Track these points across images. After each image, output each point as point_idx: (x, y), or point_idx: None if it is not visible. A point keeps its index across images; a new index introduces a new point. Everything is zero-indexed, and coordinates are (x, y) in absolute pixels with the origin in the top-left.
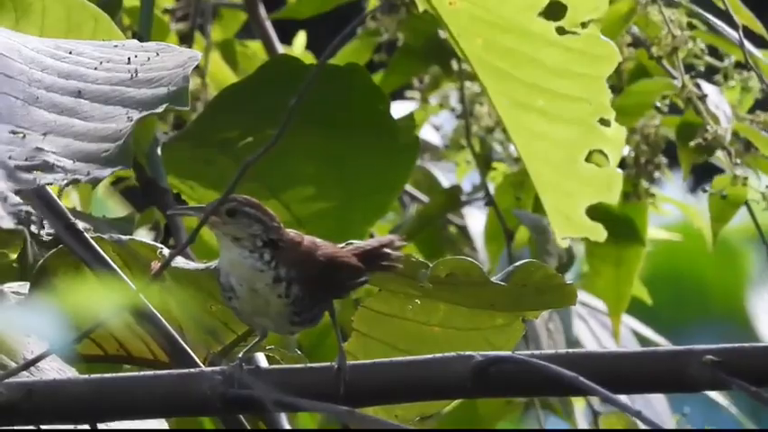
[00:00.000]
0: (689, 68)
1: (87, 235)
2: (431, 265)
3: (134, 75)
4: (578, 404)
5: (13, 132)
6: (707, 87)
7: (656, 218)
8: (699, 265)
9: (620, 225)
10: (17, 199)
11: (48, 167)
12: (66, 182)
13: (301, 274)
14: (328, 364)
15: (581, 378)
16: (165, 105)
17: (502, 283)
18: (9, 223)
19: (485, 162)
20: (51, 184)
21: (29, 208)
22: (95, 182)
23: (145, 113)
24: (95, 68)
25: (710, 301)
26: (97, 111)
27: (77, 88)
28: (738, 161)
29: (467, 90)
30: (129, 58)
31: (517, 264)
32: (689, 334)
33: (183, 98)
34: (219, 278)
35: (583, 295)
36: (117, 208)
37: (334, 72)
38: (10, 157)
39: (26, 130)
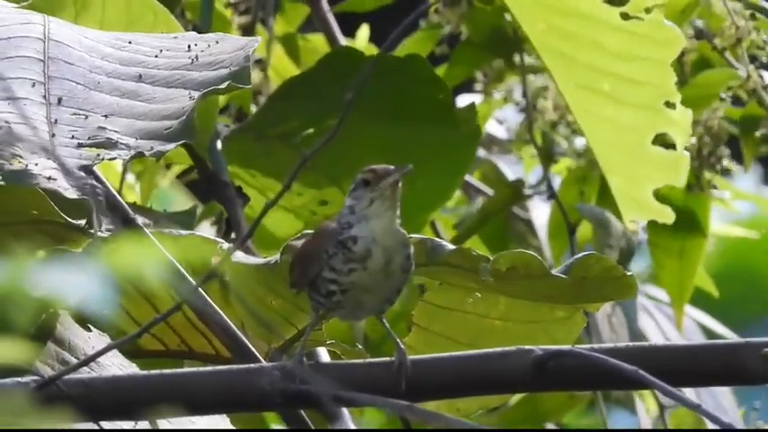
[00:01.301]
0: (751, 59)
1: (147, 230)
2: (491, 259)
3: (194, 60)
4: (647, 399)
5: (75, 114)
6: None
7: (727, 214)
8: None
9: (683, 216)
10: (81, 173)
11: (111, 144)
12: (129, 157)
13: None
14: (388, 359)
15: (640, 371)
16: (227, 83)
17: (562, 276)
18: (74, 194)
19: (547, 156)
20: (115, 159)
21: (94, 181)
22: (159, 156)
23: (208, 89)
24: (155, 56)
25: None
26: (159, 93)
27: (138, 73)
28: None
29: (530, 84)
30: (188, 46)
31: (577, 256)
32: (761, 330)
33: (245, 77)
34: (354, 245)
35: (650, 289)
36: (182, 201)
37: (394, 63)
38: (73, 137)
39: (88, 112)
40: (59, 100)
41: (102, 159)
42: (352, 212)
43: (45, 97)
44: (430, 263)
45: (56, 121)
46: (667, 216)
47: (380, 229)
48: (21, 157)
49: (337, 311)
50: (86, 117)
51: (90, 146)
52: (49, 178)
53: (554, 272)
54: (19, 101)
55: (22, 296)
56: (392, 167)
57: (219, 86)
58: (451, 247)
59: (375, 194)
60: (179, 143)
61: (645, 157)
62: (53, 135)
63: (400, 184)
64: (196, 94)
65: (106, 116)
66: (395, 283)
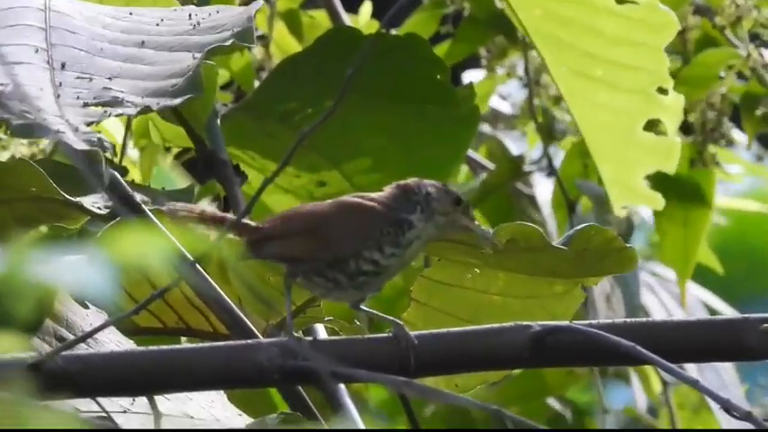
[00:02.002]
0: (754, 38)
1: (145, 207)
2: (492, 231)
3: (196, 25)
4: (651, 375)
5: (80, 78)
6: None
7: (728, 189)
8: None
9: (688, 190)
10: (88, 128)
11: (117, 102)
12: (137, 112)
13: None
14: (387, 335)
15: (638, 347)
16: (232, 41)
17: (562, 248)
18: (83, 145)
19: (548, 132)
20: (121, 115)
21: (102, 135)
22: (166, 110)
23: (213, 47)
24: (157, 24)
25: None
26: (162, 57)
27: (140, 40)
28: None
29: (532, 60)
30: (189, 15)
31: (577, 228)
32: (763, 306)
33: (248, 36)
34: (408, 230)
35: (653, 266)
36: (180, 181)
37: (394, 42)
38: (78, 97)
39: (92, 75)
40: (63, 65)
41: (109, 116)
42: (418, 211)
43: (48, 62)
44: None
45: (60, 83)
46: (657, 203)
47: (427, 233)
48: (28, 113)
49: (336, 292)
50: (91, 80)
51: (96, 105)
52: (58, 131)
53: (554, 243)
54: (22, 65)
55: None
56: (478, 224)
57: (224, 44)
58: None
59: (452, 215)
60: (186, 97)
61: (636, 143)
62: (58, 96)
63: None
64: (200, 55)
65: (111, 78)
66: (408, 265)
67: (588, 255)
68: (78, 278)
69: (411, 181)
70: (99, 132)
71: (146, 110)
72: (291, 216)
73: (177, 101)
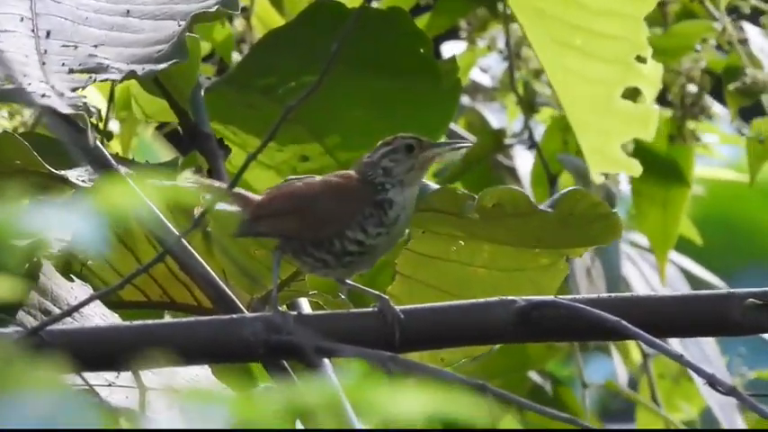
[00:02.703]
0: (735, 10)
1: (130, 180)
2: (477, 197)
3: None
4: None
5: (65, 46)
6: (751, 30)
7: (708, 161)
8: (751, 207)
9: (666, 166)
10: (74, 93)
11: (102, 68)
12: (122, 77)
13: None
14: (372, 309)
15: (623, 322)
16: (216, 7)
17: (549, 210)
18: (68, 109)
19: (529, 105)
20: (107, 80)
21: (86, 100)
22: (152, 75)
23: (198, 12)
24: None
25: (764, 244)
26: (147, 25)
27: (125, 9)
28: None
29: (513, 32)
30: None
31: (563, 191)
32: (742, 277)
33: (233, 3)
34: (390, 209)
35: (634, 236)
36: (162, 152)
37: (376, 16)
38: (63, 64)
39: (77, 43)
40: (48, 33)
41: (95, 80)
42: (387, 175)
43: (33, 31)
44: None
45: (45, 51)
46: (635, 169)
47: (411, 198)
48: (13, 78)
49: (324, 270)
50: (76, 47)
51: (81, 71)
52: (43, 95)
53: (540, 207)
54: (7, 33)
55: (10, 238)
56: (440, 142)
57: (209, 9)
58: (435, 186)
59: (417, 162)
60: (171, 62)
61: (614, 111)
62: (44, 63)
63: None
64: (184, 23)
65: (96, 46)
66: (389, 248)
67: (574, 220)
68: (65, 223)
69: (364, 159)
70: (84, 97)
71: (131, 75)
72: (284, 193)
73: (162, 66)
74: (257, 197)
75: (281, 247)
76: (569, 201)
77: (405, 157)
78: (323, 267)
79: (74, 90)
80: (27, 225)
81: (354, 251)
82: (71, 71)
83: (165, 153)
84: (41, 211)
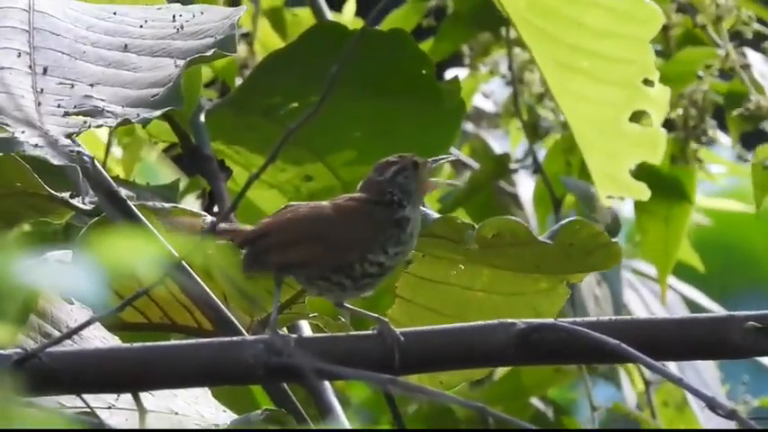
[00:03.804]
0: (737, 36)
1: (130, 203)
2: (477, 227)
3: (179, 29)
4: (633, 374)
5: (62, 84)
6: (753, 56)
7: (708, 186)
8: (752, 233)
9: (669, 186)
10: (68, 141)
11: (97, 112)
12: (116, 124)
13: None
14: (371, 331)
15: (623, 345)
16: (213, 50)
17: (548, 242)
18: (62, 161)
19: (533, 130)
20: (101, 126)
21: (81, 149)
22: (145, 122)
23: (194, 57)
24: (140, 26)
25: (762, 270)
26: (144, 62)
27: (123, 43)
28: None
29: (516, 57)
30: (173, 16)
31: (563, 222)
32: (741, 302)
33: (230, 44)
34: (407, 227)
35: (635, 263)
36: (168, 175)
37: (379, 38)
38: (59, 105)
39: (74, 81)
40: (45, 69)
41: (89, 127)
42: (403, 192)
43: (31, 67)
44: None
45: (42, 90)
46: (643, 193)
47: (419, 215)
48: (6, 125)
49: (338, 294)
50: (72, 86)
51: (76, 114)
52: (36, 145)
53: (540, 238)
54: (4, 70)
55: (7, 285)
56: (436, 158)
57: (206, 54)
58: (437, 215)
59: (422, 179)
60: (166, 109)
61: (622, 134)
62: (39, 104)
63: None
64: (182, 63)
65: (92, 85)
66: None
67: (574, 250)
68: (65, 280)
69: (373, 175)
70: (78, 145)
71: (125, 122)
72: (291, 221)
73: (157, 113)
74: (248, 228)
75: (294, 273)
76: (569, 231)
77: (414, 173)
78: (338, 291)
79: (68, 136)
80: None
81: (374, 273)
82: (66, 114)
83: (168, 174)
84: (40, 267)
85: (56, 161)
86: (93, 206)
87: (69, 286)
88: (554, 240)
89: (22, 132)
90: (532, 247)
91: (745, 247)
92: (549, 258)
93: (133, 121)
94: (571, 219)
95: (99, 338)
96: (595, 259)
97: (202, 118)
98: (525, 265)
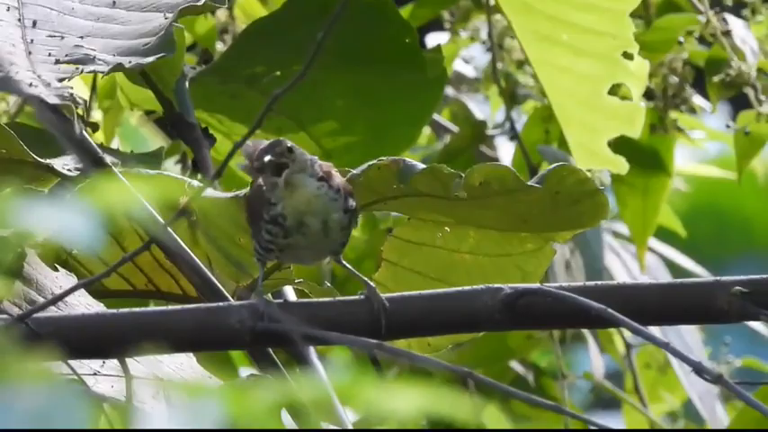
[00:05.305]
0: (717, 2)
1: (116, 169)
2: (464, 175)
3: None
4: (615, 337)
5: (51, 36)
6: (734, 22)
7: (696, 152)
8: (741, 198)
9: (647, 156)
10: (60, 84)
11: (89, 60)
12: (108, 69)
13: (354, 203)
14: (357, 296)
15: (609, 310)
16: (204, 1)
17: (537, 186)
18: (55, 99)
19: (511, 96)
20: (94, 72)
21: (73, 90)
22: (138, 68)
23: (185, 5)
24: None
25: (754, 235)
26: (134, 17)
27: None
28: (764, 98)
29: (496, 24)
30: None
31: (550, 167)
32: (731, 268)
33: None
34: (285, 221)
35: (615, 225)
36: (149, 138)
37: (361, 5)
38: (50, 54)
39: (63, 33)
40: (34, 23)
41: (81, 72)
42: (271, 189)
43: (20, 20)
44: (400, 188)
45: (32, 40)
46: (621, 166)
47: (305, 200)
48: (1, 66)
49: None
50: (62, 38)
51: (68, 62)
52: (31, 85)
53: (528, 183)
54: None
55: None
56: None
57: (196, 3)
58: (422, 166)
59: (288, 173)
60: (159, 56)
61: (601, 108)
62: (30, 53)
63: (296, 151)
64: (171, 15)
65: (82, 37)
66: (335, 241)
67: (561, 198)
68: (62, 222)
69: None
70: (71, 87)
71: (117, 68)
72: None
73: (149, 59)
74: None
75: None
76: (557, 176)
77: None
78: (264, 260)
79: (60, 81)
80: (13, 217)
81: (272, 248)
82: (57, 62)
83: (153, 138)
84: (29, 203)
85: (50, 100)
86: (78, 173)
87: (66, 226)
88: (542, 185)
89: (17, 73)
90: (520, 196)
91: (739, 212)
92: (536, 209)
93: (126, 66)
94: (558, 164)
95: (84, 305)
96: (582, 209)
97: (186, 85)
98: (512, 219)
